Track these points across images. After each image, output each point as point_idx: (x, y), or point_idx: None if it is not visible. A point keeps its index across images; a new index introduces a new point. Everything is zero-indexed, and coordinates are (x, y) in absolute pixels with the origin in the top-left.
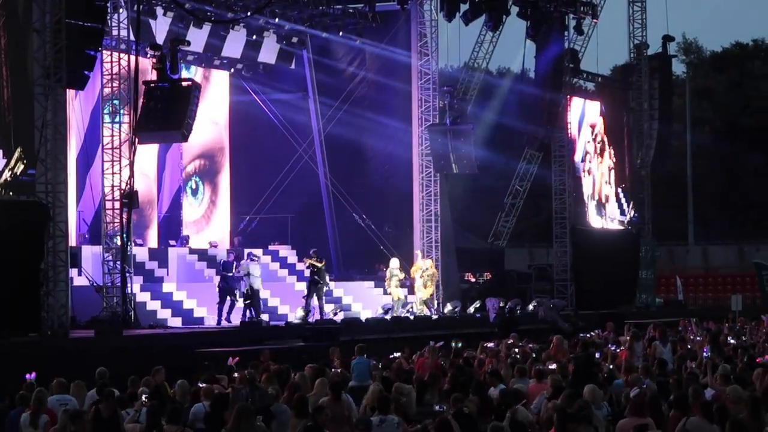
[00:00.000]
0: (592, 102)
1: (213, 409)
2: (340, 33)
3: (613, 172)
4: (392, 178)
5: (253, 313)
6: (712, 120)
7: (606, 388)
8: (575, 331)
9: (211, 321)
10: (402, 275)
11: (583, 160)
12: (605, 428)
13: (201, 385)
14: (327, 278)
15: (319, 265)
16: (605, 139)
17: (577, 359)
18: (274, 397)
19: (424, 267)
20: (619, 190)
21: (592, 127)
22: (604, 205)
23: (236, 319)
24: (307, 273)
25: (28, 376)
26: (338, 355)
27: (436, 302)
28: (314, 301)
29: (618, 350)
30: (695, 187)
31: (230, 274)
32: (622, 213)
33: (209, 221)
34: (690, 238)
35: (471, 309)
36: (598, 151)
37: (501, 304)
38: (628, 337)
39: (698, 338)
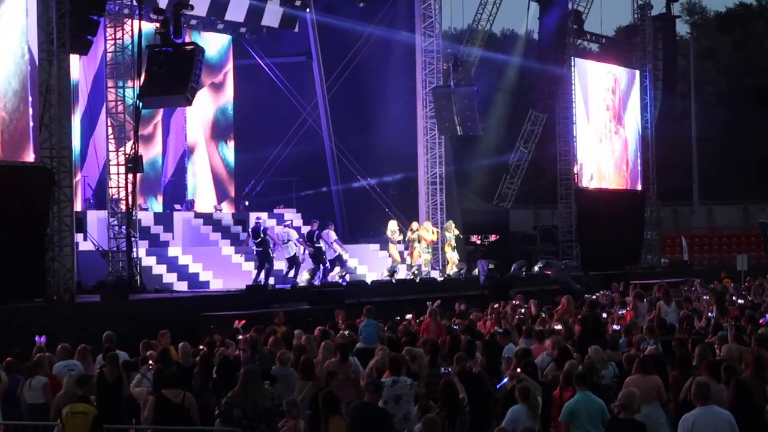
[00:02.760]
0: (599, 63)
1: (219, 373)
2: None
3: (623, 133)
4: (397, 140)
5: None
6: (717, 80)
7: (615, 348)
8: (587, 292)
9: (216, 285)
10: (400, 237)
11: (590, 121)
12: (612, 388)
13: (201, 348)
14: None
15: None
16: (615, 101)
17: (584, 320)
18: (273, 359)
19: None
20: (629, 152)
21: (603, 89)
22: (613, 166)
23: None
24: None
25: (37, 338)
26: (343, 317)
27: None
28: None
29: (623, 312)
30: (700, 148)
31: (318, 244)
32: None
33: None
34: (695, 198)
35: (476, 271)
36: (609, 113)
37: (491, 266)
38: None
39: (704, 297)
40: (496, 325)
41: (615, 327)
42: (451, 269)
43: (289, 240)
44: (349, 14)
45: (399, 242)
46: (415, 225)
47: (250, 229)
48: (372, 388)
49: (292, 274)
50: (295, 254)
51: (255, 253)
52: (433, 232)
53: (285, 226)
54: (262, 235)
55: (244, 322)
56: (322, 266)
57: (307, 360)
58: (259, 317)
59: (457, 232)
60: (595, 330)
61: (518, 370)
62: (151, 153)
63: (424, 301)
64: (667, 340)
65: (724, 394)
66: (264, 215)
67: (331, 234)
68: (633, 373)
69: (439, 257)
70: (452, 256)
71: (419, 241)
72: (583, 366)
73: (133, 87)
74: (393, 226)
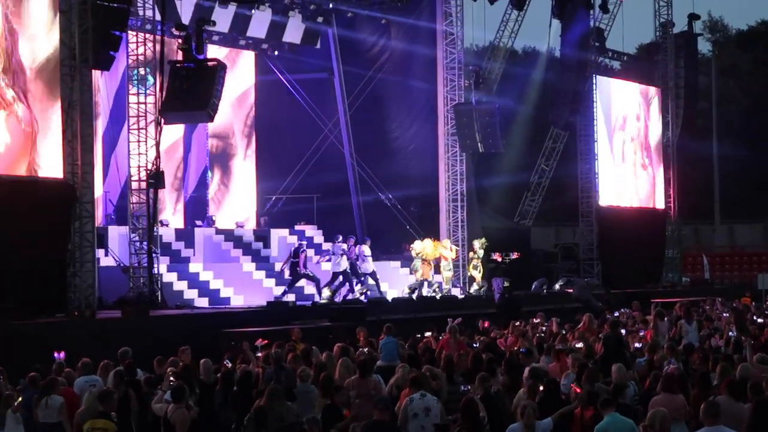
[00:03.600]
0: (621, 81)
1: (240, 388)
2: (365, 12)
3: (645, 152)
4: (418, 157)
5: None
6: (738, 98)
7: (632, 367)
8: (608, 310)
9: (237, 301)
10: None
11: (611, 139)
12: (632, 407)
13: (227, 364)
14: None
15: None
16: (642, 129)
17: (606, 339)
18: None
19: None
20: (652, 170)
21: (630, 116)
22: (635, 184)
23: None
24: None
25: (56, 355)
26: (364, 334)
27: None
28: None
29: (642, 332)
30: (721, 166)
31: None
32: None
33: (220, 204)
34: (716, 216)
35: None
36: (636, 143)
37: (506, 284)
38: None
39: (725, 314)
40: (518, 342)
41: (637, 345)
42: (473, 287)
43: (343, 254)
44: (370, 31)
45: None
46: (417, 245)
47: (291, 248)
48: (382, 405)
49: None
50: (345, 270)
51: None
52: (452, 249)
53: (337, 241)
54: (293, 258)
55: (266, 341)
56: (349, 281)
57: (328, 377)
58: (279, 334)
59: (481, 251)
60: (617, 350)
61: (541, 387)
62: (173, 168)
63: (445, 318)
64: (684, 360)
65: (744, 413)
66: (286, 231)
67: (367, 249)
68: (659, 392)
69: (460, 274)
70: (475, 274)
71: (423, 260)
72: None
73: (155, 103)
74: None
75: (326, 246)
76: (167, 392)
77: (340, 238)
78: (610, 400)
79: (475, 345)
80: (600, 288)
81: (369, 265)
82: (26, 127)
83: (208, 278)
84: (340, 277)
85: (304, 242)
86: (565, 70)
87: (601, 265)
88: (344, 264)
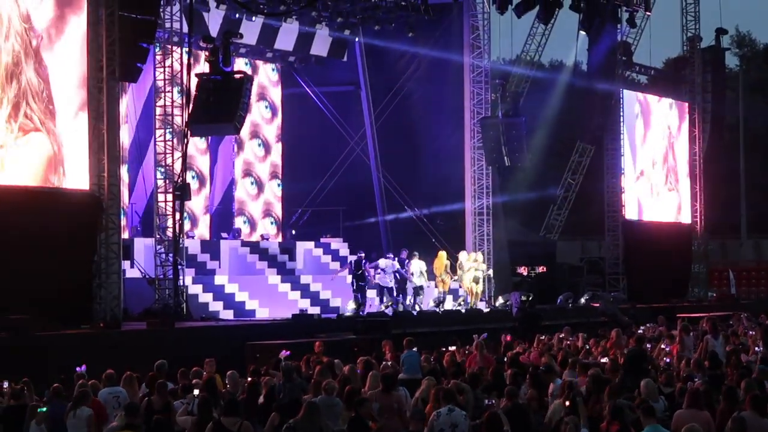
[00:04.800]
0: (649, 95)
1: (266, 400)
2: (392, 25)
3: (672, 166)
4: (444, 171)
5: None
6: (766, 113)
7: (671, 381)
8: (634, 325)
9: (262, 314)
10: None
11: (638, 154)
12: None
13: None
14: None
15: None
16: (666, 133)
17: (628, 353)
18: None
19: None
20: (678, 184)
21: (658, 136)
22: (661, 198)
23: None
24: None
25: (78, 369)
26: (390, 347)
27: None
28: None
29: (667, 348)
30: (748, 181)
31: (404, 270)
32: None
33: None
34: (743, 231)
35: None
36: (659, 145)
37: (523, 299)
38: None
39: (751, 332)
40: (542, 357)
41: (667, 360)
42: (498, 301)
43: (395, 270)
44: (397, 43)
45: (467, 271)
46: (463, 255)
47: (352, 260)
48: (418, 416)
49: (378, 301)
50: (391, 286)
51: (351, 283)
52: (475, 261)
53: (386, 258)
54: (363, 268)
55: (288, 353)
56: (402, 295)
57: (352, 391)
58: (303, 346)
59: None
60: (638, 364)
61: (567, 403)
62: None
63: (470, 332)
64: (715, 375)
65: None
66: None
67: (421, 264)
68: (684, 407)
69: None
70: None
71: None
72: (640, 399)
73: (182, 115)
74: (463, 256)
75: (352, 258)
76: (191, 404)
77: (392, 255)
78: (651, 409)
79: (504, 359)
80: (626, 302)
81: (417, 280)
82: (52, 140)
83: (234, 290)
84: (386, 291)
85: (363, 254)
86: (592, 84)
87: (626, 280)
88: (391, 281)
